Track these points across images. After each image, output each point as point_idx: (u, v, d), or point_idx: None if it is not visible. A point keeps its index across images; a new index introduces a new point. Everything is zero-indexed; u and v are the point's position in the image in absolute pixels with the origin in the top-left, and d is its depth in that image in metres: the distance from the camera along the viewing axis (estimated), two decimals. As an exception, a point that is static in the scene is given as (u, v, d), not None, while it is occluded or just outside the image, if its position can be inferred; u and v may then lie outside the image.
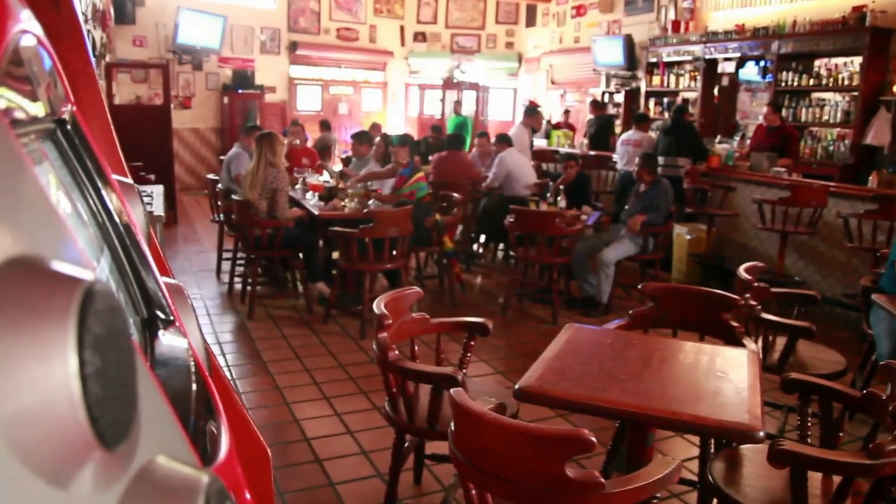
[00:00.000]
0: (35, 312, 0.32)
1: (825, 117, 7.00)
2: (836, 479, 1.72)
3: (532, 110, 7.64)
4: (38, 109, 0.58)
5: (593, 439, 1.38)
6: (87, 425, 0.33)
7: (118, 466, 0.36)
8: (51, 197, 0.45)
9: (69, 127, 0.68)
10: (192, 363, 0.64)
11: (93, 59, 1.18)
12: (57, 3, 0.95)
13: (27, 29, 0.58)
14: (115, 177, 0.81)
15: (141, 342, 0.63)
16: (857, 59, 6.53)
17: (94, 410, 0.33)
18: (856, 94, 6.59)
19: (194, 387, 0.59)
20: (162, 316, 0.70)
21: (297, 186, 5.49)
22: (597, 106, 9.18)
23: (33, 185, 0.40)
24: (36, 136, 0.57)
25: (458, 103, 11.25)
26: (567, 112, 10.32)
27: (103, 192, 0.71)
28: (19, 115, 0.52)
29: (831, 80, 6.89)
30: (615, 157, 7.17)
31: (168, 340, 0.66)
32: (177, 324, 0.73)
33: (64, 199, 0.59)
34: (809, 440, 2.09)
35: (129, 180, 0.97)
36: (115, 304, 0.37)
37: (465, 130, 9.83)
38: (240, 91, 10.20)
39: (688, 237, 5.73)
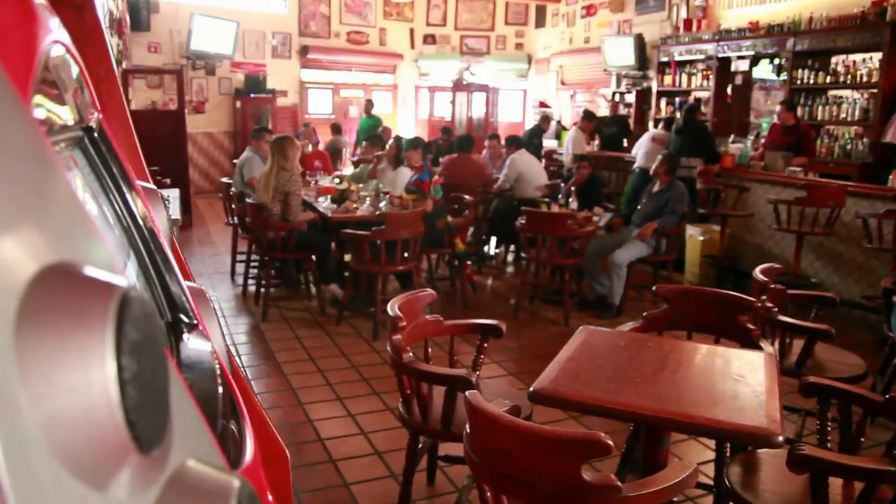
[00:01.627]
0: (74, 319, 0.33)
1: (842, 115, 6.91)
2: (858, 485, 1.70)
3: (590, 115, 7.91)
4: (67, 117, 0.59)
5: (610, 442, 1.38)
6: (125, 429, 0.33)
7: (153, 470, 0.37)
8: (84, 204, 0.46)
9: (96, 134, 0.69)
10: (217, 366, 0.65)
11: (115, 67, 1.20)
12: (81, 12, 0.97)
13: (57, 38, 0.59)
14: (138, 182, 0.82)
15: (167, 346, 0.64)
16: (877, 56, 6.43)
17: (132, 415, 0.34)
18: (875, 91, 6.50)
19: (220, 389, 0.60)
20: (186, 320, 0.71)
21: (311, 190, 5.52)
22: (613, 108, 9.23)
23: (69, 194, 0.41)
24: (66, 144, 0.58)
25: (369, 102, 10.27)
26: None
27: (129, 198, 0.72)
28: (51, 123, 0.53)
29: (849, 77, 6.80)
30: (633, 151, 7.10)
31: (193, 344, 0.67)
32: (200, 327, 0.74)
33: (92, 204, 0.60)
34: (829, 445, 2.07)
35: (153, 185, 0.98)
36: (150, 309, 0.38)
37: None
38: (252, 95, 10.28)
39: (701, 238, 5.68)
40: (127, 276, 0.61)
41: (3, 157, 0.35)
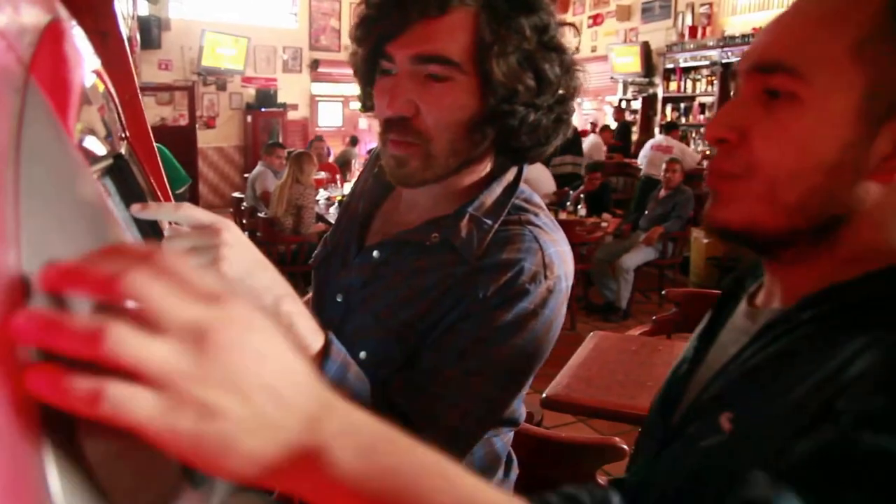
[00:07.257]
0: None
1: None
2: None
3: (607, 128, 8.41)
4: (100, 146, 0.63)
5: (625, 447, 1.39)
6: (178, 466, 0.35)
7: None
8: (126, 236, 0.49)
9: (126, 160, 0.73)
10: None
11: (139, 91, 1.24)
12: (106, 38, 1.01)
13: (93, 67, 0.62)
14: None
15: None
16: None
17: None
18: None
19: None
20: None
21: (321, 201, 5.58)
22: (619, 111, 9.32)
23: (113, 227, 0.44)
24: (99, 174, 0.61)
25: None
26: (594, 124, 10.38)
27: (158, 223, 0.76)
28: (89, 153, 0.56)
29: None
30: (639, 160, 7.14)
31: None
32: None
33: (127, 233, 0.63)
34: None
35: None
36: None
37: (166, 164, 7.20)
38: (263, 109, 10.37)
39: (705, 240, 5.67)
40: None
41: (55, 191, 0.38)
